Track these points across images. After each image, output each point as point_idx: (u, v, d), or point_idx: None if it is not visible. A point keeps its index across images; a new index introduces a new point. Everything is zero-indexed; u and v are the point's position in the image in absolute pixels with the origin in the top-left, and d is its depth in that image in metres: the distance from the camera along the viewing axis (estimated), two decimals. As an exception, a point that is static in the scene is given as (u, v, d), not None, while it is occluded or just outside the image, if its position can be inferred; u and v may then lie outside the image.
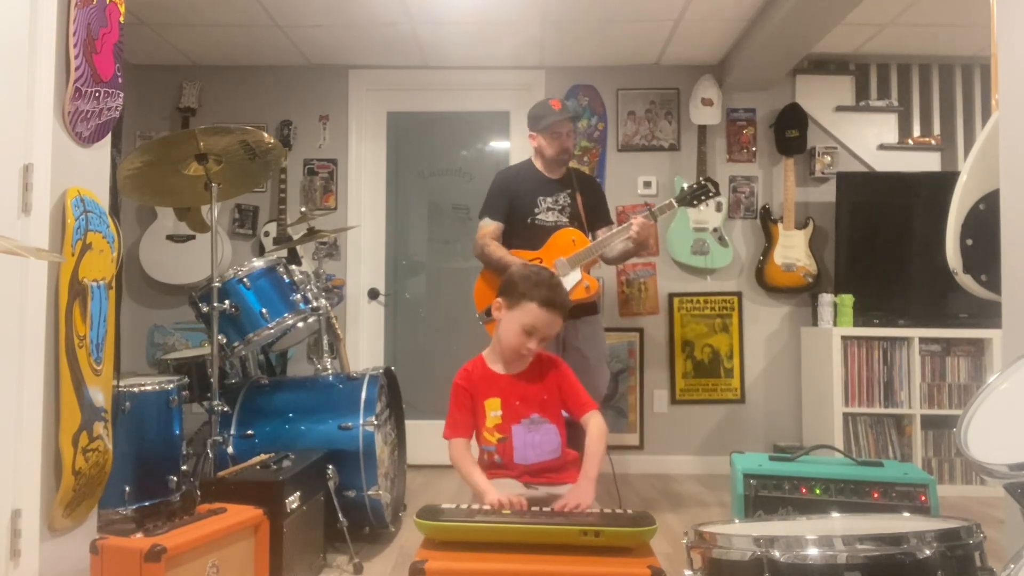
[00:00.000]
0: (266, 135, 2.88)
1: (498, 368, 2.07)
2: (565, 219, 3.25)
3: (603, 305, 3.46)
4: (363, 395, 2.79)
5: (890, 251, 4.07)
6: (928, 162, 4.31)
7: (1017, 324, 1.76)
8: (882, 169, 4.29)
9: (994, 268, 1.85)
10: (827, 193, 4.27)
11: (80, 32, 1.99)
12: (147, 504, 2.43)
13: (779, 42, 3.73)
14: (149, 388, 2.51)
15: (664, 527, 2.48)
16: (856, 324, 3.96)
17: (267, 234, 4.33)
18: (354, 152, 4.46)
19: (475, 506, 1.73)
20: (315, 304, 2.99)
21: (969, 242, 1.98)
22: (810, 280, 4.23)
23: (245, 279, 2.85)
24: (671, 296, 4.36)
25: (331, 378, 3.05)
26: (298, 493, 2.30)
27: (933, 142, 4.34)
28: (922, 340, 3.86)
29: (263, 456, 2.46)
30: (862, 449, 3.86)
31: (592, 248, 3.14)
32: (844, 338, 3.90)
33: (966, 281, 2.00)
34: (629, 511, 1.67)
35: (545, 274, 2.07)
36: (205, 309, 2.78)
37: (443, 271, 4.57)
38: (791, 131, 4.28)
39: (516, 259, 3.05)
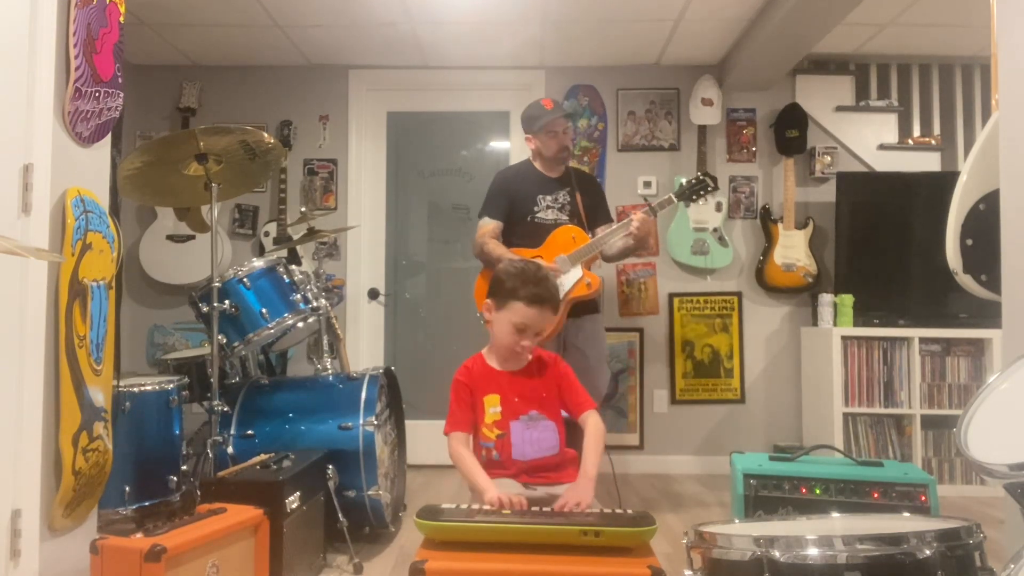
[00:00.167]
0: (266, 135, 2.88)
1: (497, 365, 2.07)
2: (565, 217, 3.25)
3: (603, 304, 3.45)
4: (363, 395, 2.79)
5: (890, 251, 4.07)
6: (928, 162, 4.31)
7: (1017, 324, 1.76)
8: (882, 169, 4.29)
9: (994, 268, 1.85)
10: (827, 193, 4.27)
11: (80, 32, 1.99)
12: (147, 504, 2.42)
13: (779, 42, 3.73)
14: (149, 388, 2.50)
15: (664, 527, 2.48)
16: (856, 324, 3.96)
17: (267, 234, 4.33)
18: (354, 152, 4.46)
19: (475, 506, 1.73)
20: (315, 304, 2.99)
21: (969, 242, 1.98)
22: (810, 280, 4.23)
23: (245, 279, 2.85)
24: (671, 296, 4.36)
25: (331, 378, 3.05)
26: (298, 493, 2.30)
27: (933, 142, 4.34)
28: (922, 340, 3.86)
29: (263, 456, 2.47)
30: (862, 449, 3.86)
31: (592, 244, 3.14)
32: (844, 338, 3.90)
33: (966, 281, 2.00)
34: (629, 511, 1.67)
35: (531, 269, 2.05)
36: (205, 309, 2.78)
37: (443, 271, 4.57)
38: (791, 131, 4.28)
39: (515, 257, 3.05)
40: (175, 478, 2.52)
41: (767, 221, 4.30)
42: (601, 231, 3.22)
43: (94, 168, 2.15)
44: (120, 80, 2.17)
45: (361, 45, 4.17)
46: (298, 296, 2.95)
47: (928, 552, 1.17)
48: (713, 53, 4.26)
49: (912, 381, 3.84)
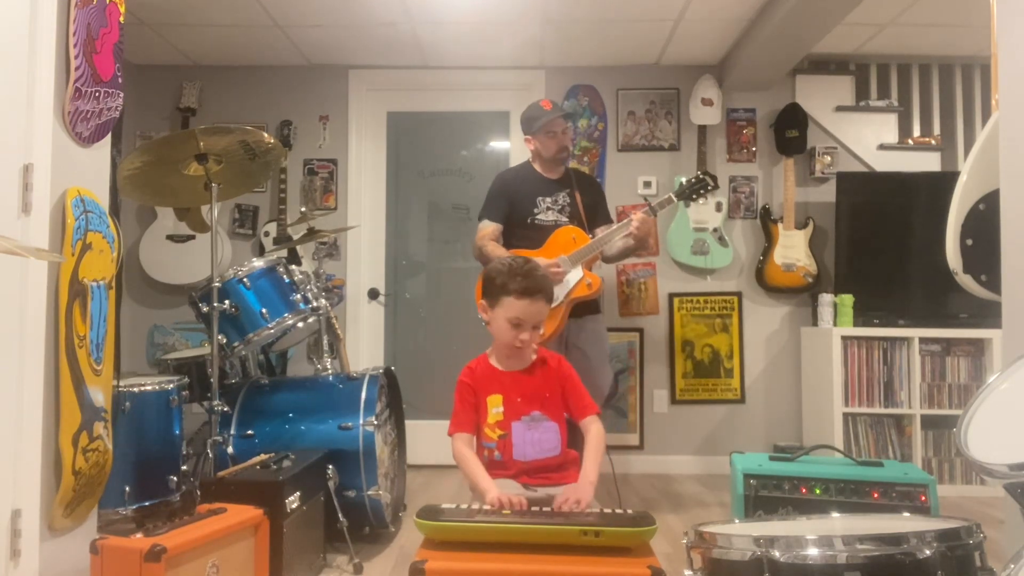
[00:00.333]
0: (266, 135, 2.88)
1: (500, 365, 2.07)
2: (565, 218, 3.26)
3: (603, 304, 3.45)
4: (363, 395, 2.79)
5: (890, 251, 4.07)
6: (928, 162, 4.31)
7: (1017, 324, 1.76)
8: (882, 169, 4.29)
9: (994, 268, 1.85)
10: (827, 193, 4.27)
11: (80, 32, 1.99)
12: (147, 504, 2.42)
13: (779, 42, 3.73)
14: (149, 388, 2.50)
15: (664, 527, 2.48)
16: (856, 324, 3.96)
17: (267, 234, 4.33)
18: (354, 152, 4.46)
19: (475, 506, 1.73)
20: (315, 304, 2.99)
21: (969, 242, 1.98)
22: (810, 280, 4.23)
23: (245, 279, 2.86)
24: (671, 296, 4.36)
25: (331, 378, 3.05)
26: (298, 493, 2.30)
27: (933, 142, 4.34)
28: (922, 340, 3.86)
29: (263, 456, 2.47)
30: (862, 449, 3.86)
31: (593, 245, 3.14)
32: (844, 338, 3.90)
33: (966, 281, 2.00)
34: (629, 511, 1.67)
35: (518, 263, 2.04)
36: (205, 309, 2.78)
37: (443, 271, 4.57)
38: (791, 131, 4.28)
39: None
40: (175, 478, 2.52)
41: (767, 221, 4.30)
42: (601, 231, 3.22)
43: (94, 168, 2.15)
44: (120, 80, 2.17)
45: (361, 45, 4.17)
46: (298, 296, 2.95)
47: (928, 552, 1.17)
48: (713, 53, 4.26)
49: (912, 381, 3.84)
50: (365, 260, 4.47)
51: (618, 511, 1.68)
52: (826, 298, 4.06)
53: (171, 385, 2.57)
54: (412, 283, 4.56)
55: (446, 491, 3.73)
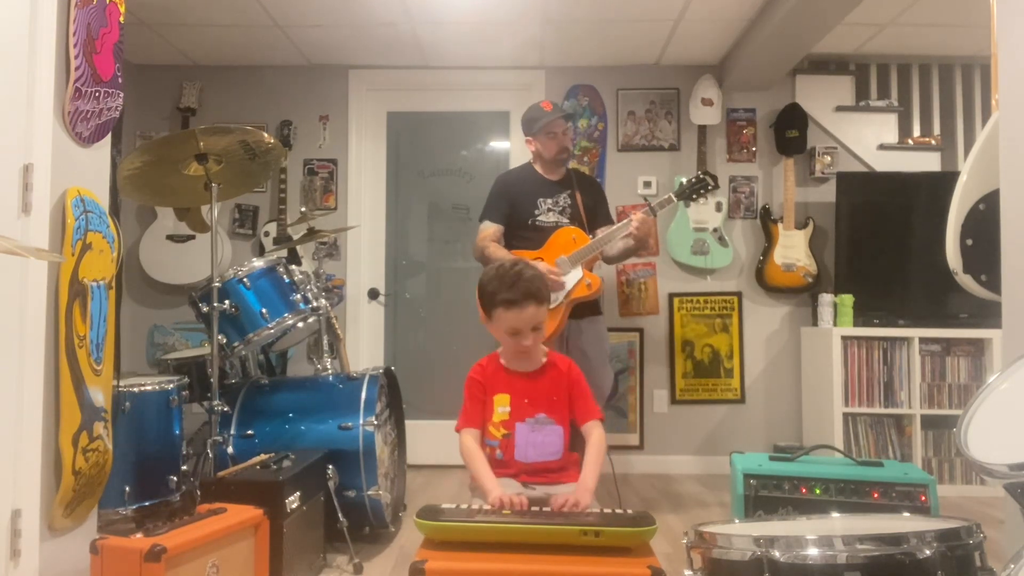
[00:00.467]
0: (266, 135, 2.88)
1: (510, 365, 2.08)
2: (566, 220, 3.26)
3: (603, 304, 3.45)
4: (363, 395, 2.79)
5: (890, 251, 4.07)
6: (928, 162, 4.31)
7: (1017, 324, 1.76)
8: (882, 169, 4.29)
9: (994, 268, 1.85)
10: (827, 193, 4.27)
11: (80, 32, 1.99)
12: (147, 504, 2.42)
13: (779, 42, 3.73)
14: (149, 388, 2.50)
15: (664, 527, 2.48)
16: (856, 324, 3.96)
17: (267, 234, 4.33)
18: (354, 152, 4.46)
19: (475, 506, 1.73)
20: (315, 304, 2.99)
21: (969, 242, 1.98)
22: (810, 280, 4.23)
23: (245, 279, 2.85)
24: (671, 296, 4.36)
25: (331, 378, 3.05)
26: (298, 493, 2.30)
27: (933, 142, 4.34)
28: (922, 340, 3.86)
29: (263, 456, 2.47)
30: (862, 449, 3.86)
31: (593, 245, 3.14)
32: (844, 338, 3.90)
33: (966, 281, 2.00)
34: (629, 511, 1.67)
35: (505, 271, 2.02)
36: (205, 309, 2.78)
37: (443, 271, 4.57)
38: (791, 131, 4.28)
39: (510, 259, 3.05)
40: (175, 478, 2.52)
41: (767, 221, 4.30)
42: (601, 232, 3.22)
43: (94, 168, 2.15)
44: (120, 80, 2.17)
45: (361, 45, 4.17)
46: (298, 296, 2.95)
47: (928, 552, 1.17)
48: (713, 53, 4.26)
49: (912, 381, 3.84)
50: (365, 260, 4.47)
51: (618, 511, 1.68)
52: (826, 298, 4.06)
53: (171, 385, 2.57)
54: (412, 283, 4.56)
55: (446, 491, 3.73)
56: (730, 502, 2.49)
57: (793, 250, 4.25)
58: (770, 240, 4.28)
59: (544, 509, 1.74)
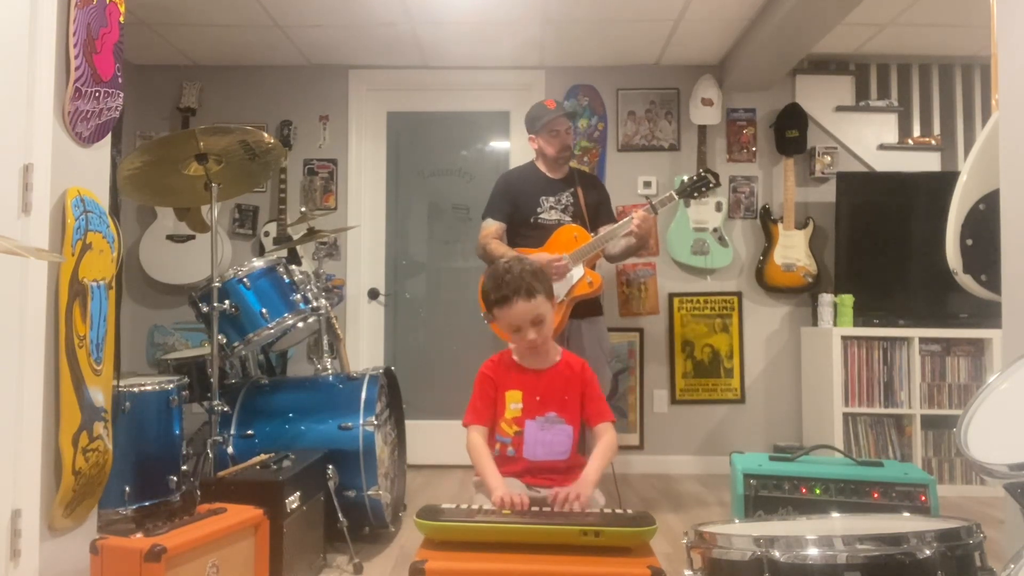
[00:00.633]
0: (266, 135, 2.88)
1: (522, 361, 2.07)
2: (568, 218, 3.28)
3: (603, 303, 3.45)
4: (363, 395, 2.79)
5: (890, 251, 4.07)
6: (928, 162, 4.31)
7: (1017, 324, 1.76)
8: (882, 169, 4.29)
9: (994, 268, 1.85)
10: (827, 193, 4.27)
11: (80, 32, 1.99)
12: (147, 504, 2.42)
13: (779, 42, 3.73)
14: (149, 388, 2.50)
15: (664, 527, 2.48)
16: (856, 324, 3.96)
17: (267, 234, 4.33)
18: (354, 152, 4.46)
19: (475, 506, 1.73)
20: (315, 304, 2.99)
21: (969, 242, 1.98)
22: (810, 280, 4.23)
23: (245, 279, 2.85)
24: (671, 296, 4.36)
25: (331, 378, 3.05)
26: (298, 493, 2.30)
27: (933, 142, 4.34)
28: (922, 340, 3.86)
29: (263, 456, 2.46)
30: (862, 449, 3.86)
31: (594, 243, 3.15)
32: (844, 338, 3.90)
33: (966, 281, 2.00)
34: (629, 511, 1.67)
35: (495, 269, 2.04)
36: (205, 309, 2.78)
37: (443, 271, 4.57)
38: (791, 131, 4.28)
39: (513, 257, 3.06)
40: (175, 478, 2.52)
41: (767, 221, 4.30)
42: (603, 230, 3.23)
43: (94, 168, 2.15)
44: (120, 80, 2.17)
45: (361, 45, 4.17)
46: (298, 296, 2.95)
47: (928, 552, 1.17)
48: (713, 53, 4.26)
49: (912, 381, 3.84)
50: (365, 260, 4.47)
51: (618, 511, 1.68)
52: (826, 298, 4.06)
53: (171, 385, 2.57)
54: (412, 283, 4.56)
55: (446, 491, 3.73)
56: (730, 502, 2.49)
57: (793, 250, 4.25)
58: (770, 240, 4.28)
59: (544, 509, 1.74)
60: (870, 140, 4.35)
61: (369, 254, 4.49)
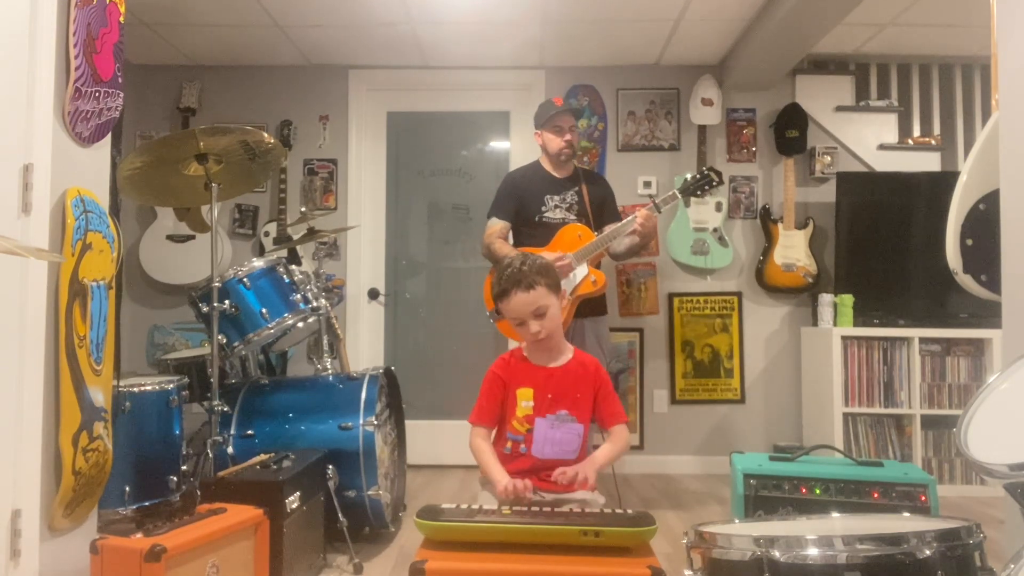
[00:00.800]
0: (266, 135, 2.88)
1: (533, 358, 2.08)
2: (572, 216, 3.30)
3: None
4: (363, 395, 2.79)
5: (890, 251, 4.07)
6: (928, 162, 4.31)
7: (1017, 324, 1.76)
8: (882, 169, 4.28)
9: (994, 268, 1.85)
10: (827, 193, 4.27)
11: (80, 32, 1.99)
12: (147, 504, 2.42)
13: (779, 42, 3.73)
14: (149, 388, 2.51)
15: (664, 527, 2.48)
16: (856, 324, 3.96)
17: (267, 234, 4.33)
18: (354, 152, 4.46)
19: (475, 506, 1.73)
20: (315, 304, 2.99)
21: (969, 242, 1.98)
22: (810, 280, 4.23)
23: (245, 279, 2.85)
24: (671, 296, 4.36)
25: (331, 378, 3.05)
26: (298, 493, 2.30)
27: (933, 142, 4.34)
28: (922, 340, 3.86)
29: (263, 456, 2.46)
30: (862, 449, 3.86)
31: (598, 242, 3.16)
32: (844, 338, 3.89)
33: (966, 281, 2.00)
34: (629, 511, 1.67)
35: (501, 267, 2.06)
36: (205, 309, 2.78)
37: (443, 271, 4.57)
38: (791, 131, 4.28)
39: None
40: (175, 478, 2.52)
41: (767, 221, 4.30)
42: (607, 229, 3.23)
43: (94, 168, 2.15)
44: (120, 80, 2.17)
45: (361, 45, 4.17)
46: (298, 296, 2.95)
47: (928, 552, 1.17)
48: (713, 53, 4.26)
49: (912, 381, 3.84)
50: (365, 260, 4.47)
51: (618, 511, 1.68)
52: (826, 298, 4.06)
53: (171, 385, 2.57)
54: (412, 283, 4.56)
55: (446, 491, 3.73)
56: (730, 502, 2.49)
57: (793, 250, 4.25)
58: (770, 240, 4.28)
59: (544, 509, 1.74)
60: (870, 140, 4.35)
61: (369, 254, 4.49)
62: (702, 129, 4.32)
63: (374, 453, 2.68)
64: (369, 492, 2.67)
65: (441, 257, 4.58)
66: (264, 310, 2.85)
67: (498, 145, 4.56)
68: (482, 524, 1.59)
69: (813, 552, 1.20)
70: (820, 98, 4.36)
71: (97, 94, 2.07)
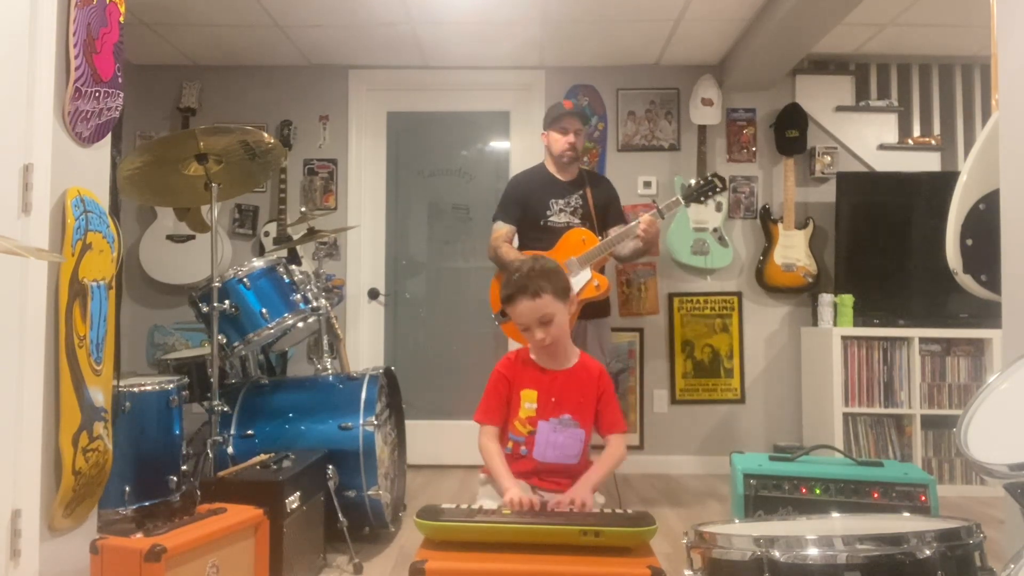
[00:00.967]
0: (266, 135, 2.88)
1: (540, 361, 2.08)
2: (577, 220, 3.30)
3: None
4: (363, 395, 2.79)
5: (890, 251, 4.07)
6: (928, 162, 4.31)
7: (1017, 324, 1.76)
8: (882, 169, 4.29)
9: (994, 268, 1.85)
10: (827, 193, 4.27)
11: (80, 32, 1.98)
12: (147, 504, 2.42)
13: (779, 42, 3.73)
14: (149, 388, 2.51)
15: (664, 527, 2.48)
16: (856, 324, 3.96)
17: (267, 234, 4.33)
18: (354, 152, 4.46)
19: (475, 506, 1.73)
20: (315, 304, 2.99)
21: (969, 242, 1.98)
22: (810, 280, 4.23)
23: (245, 279, 2.85)
24: (671, 296, 4.36)
25: (331, 378, 3.05)
26: (298, 493, 2.30)
27: (933, 142, 4.34)
28: (922, 340, 3.86)
29: (263, 456, 2.47)
30: (862, 449, 3.86)
31: (602, 247, 3.16)
32: (844, 338, 3.89)
33: (966, 281, 2.00)
34: (629, 511, 1.68)
35: (510, 270, 2.08)
36: (205, 309, 2.78)
37: (443, 271, 4.57)
38: (791, 131, 4.28)
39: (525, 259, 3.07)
40: (175, 478, 2.52)
41: (767, 221, 4.30)
42: (612, 232, 3.24)
43: (94, 168, 2.15)
44: (120, 80, 2.17)
45: (361, 45, 4.17)
46: (298, 296, 2.95)
47: (928, 552, 1.17)
48: (713, 53, 4.26)
49: (912, 381, 3.84)
50: (365, 260, 4.47)
51: (618, 511, 1.68)
52: (826, 298, 4.06)
53: (171, 385, 2.57)
54: (412, 283, 4.56)
55: (446, 491, 3.73)
56: (730, 502, 2.49)
57: (793, 250, 4.25)
58: (770, 240, 4.28)
59: (544, 509, 1.74)
60: (870, 140, 4.35)
61: (369, 254, 4.49)
62: (702, 129, 4.32)
63: (374, 453, 2.68)
64: (369, 492, 2.67)
65: (441, 257, 4.58)
66: (264, 310, 2.85)
67: (498, 145, 4.56)
68: (482, 524, 1.59)
69: (813, 552, 1.20)
70: (820, 98, 4.36)
71: (97, 94, 2.07)
